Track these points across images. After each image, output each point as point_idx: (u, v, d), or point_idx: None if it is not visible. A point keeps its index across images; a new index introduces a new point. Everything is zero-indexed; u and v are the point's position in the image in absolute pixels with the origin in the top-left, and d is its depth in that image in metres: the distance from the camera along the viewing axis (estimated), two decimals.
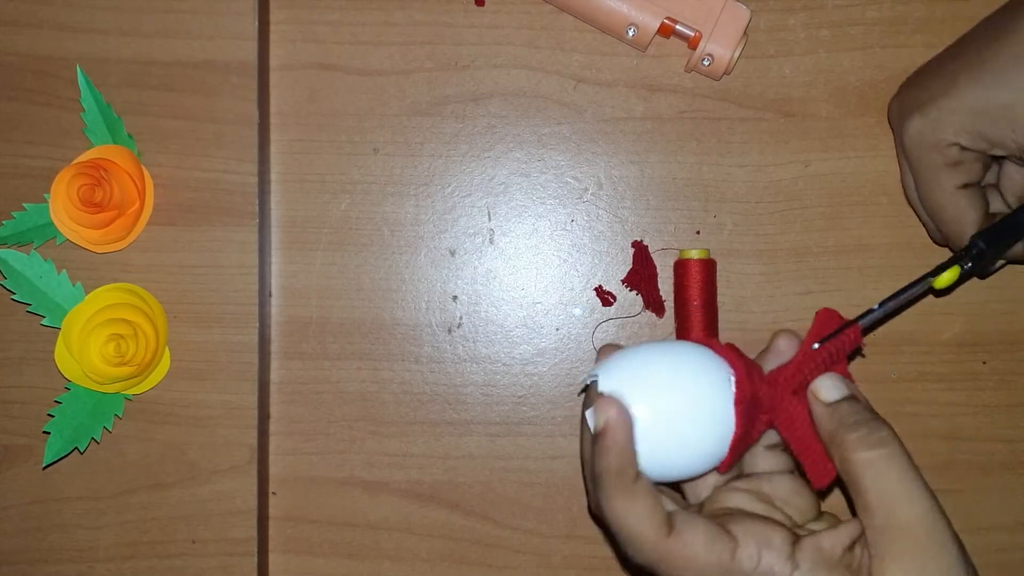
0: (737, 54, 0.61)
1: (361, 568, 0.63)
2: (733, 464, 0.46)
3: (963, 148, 0.54)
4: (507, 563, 0.62)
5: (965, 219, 0.55)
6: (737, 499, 0.47)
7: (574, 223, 0.63)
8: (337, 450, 0.63)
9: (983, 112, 0.52)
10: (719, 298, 0.62)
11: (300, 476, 0.63)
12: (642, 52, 0.63)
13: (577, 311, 0.63)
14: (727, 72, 0.61)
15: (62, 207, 0.58)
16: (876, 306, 0.48)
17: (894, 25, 0.62)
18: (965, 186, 0.55)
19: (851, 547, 0.43)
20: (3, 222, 0.59)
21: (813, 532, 0.44)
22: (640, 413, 0.43)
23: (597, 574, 0.62)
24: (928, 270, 0.59)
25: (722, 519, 0.44)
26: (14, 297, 0.59)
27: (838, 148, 0.62)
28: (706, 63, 0.61)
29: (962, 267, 0.50)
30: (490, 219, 0.63)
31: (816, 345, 0.46)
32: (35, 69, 0.61)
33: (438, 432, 0.63)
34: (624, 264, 0.63)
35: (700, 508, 0.47)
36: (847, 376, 0.46)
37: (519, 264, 0.63)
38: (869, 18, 0.62)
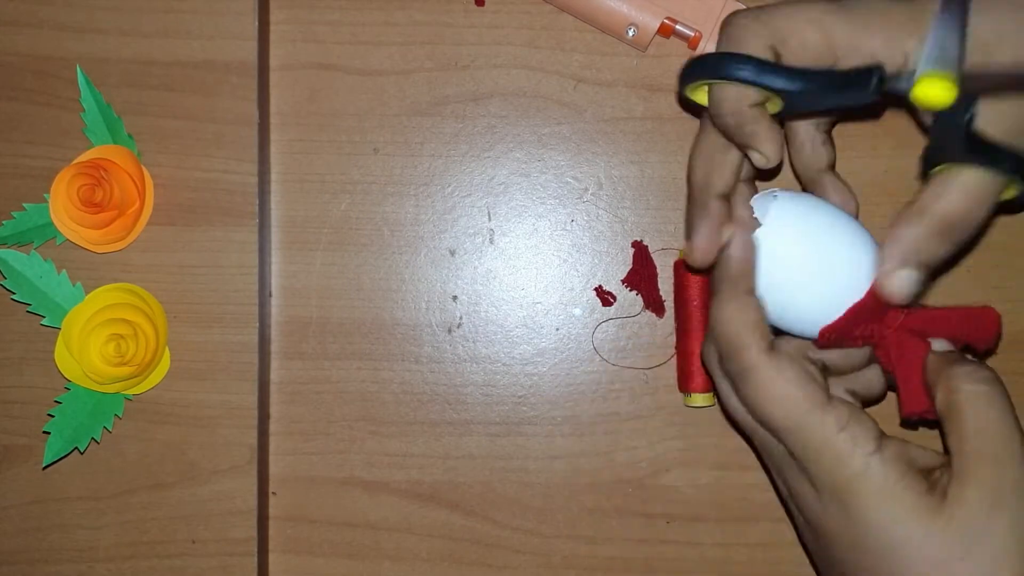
0: None
1: (361, 568, 0.63)
2: (833, 336, 0.47)
3: None
4: (507, 563, 0.62)
5: None
6: (834, 389, 0.48)
7: (574, 223, 0.63)
8: (337, 450, 0.63)
9: None
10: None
11: (300, 476, 0.63)
12: (642, 52, 0.63)
13: (577, 311, 0.63)
14: None
15: (62, 207, 0.58)
16: None
17: None
18: None
19: (932, 469, 0.45)
20: (3, 222, 0.59)
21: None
22: (784, 245, 0.46)
23: (597, 574, 0.62)
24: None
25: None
26: (14, 297, 0.59)
27: (838, 148, 0.62)
28: None
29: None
30: (490, 219, 0.63)
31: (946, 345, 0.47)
32: (35, 69, 0.61)
33: (438, 432, 0.63)
34: (624, 264, 0.63)
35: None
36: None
37: (519, 264, 0.63)
38: None
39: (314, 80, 0.63)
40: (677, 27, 0.61)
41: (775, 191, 0.48)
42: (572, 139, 0.63)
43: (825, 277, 0.47)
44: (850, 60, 0.44)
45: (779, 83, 0.44)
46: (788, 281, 0.47)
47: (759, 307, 0.46)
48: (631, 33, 0.61)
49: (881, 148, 0.62)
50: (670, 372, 0.62)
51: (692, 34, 0.60)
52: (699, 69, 0.46)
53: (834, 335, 0.47)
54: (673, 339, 0.62)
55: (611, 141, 0.63)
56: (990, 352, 0.51)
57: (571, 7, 0.62)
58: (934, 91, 0.42)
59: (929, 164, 0.46)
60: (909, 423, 0.50)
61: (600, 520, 0.62)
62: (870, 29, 0.44)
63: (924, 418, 0.47)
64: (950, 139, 0.44)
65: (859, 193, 0.62)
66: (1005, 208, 0.49)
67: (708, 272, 0.61)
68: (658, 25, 0.60)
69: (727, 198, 0.48)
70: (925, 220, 0.44)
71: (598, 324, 0.63)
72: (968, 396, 0.44)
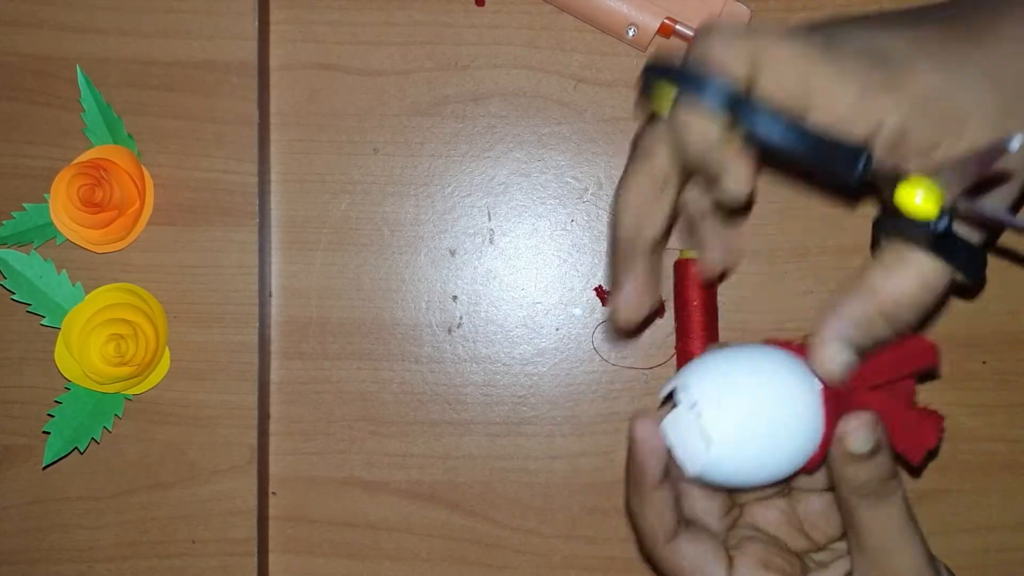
0: None
1: (361, 568, 0.63)
2: (822, 464, 0.45)
3: None
4: (507, 563, 0.62)
5: None
6: (767, 516, 0.48)
7: (574, 223, 0.63)
8: (337, 450, 0.63)
9: None
10: (719, 298, 0.62)
11: (300, 476, 0.63)
12: (642, 52, 0.63)
13: (577, 311, 0.63)
14: None
15: (62, 207, 0.58)
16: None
17: None
18: None
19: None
20: (3, 222, 0.59)
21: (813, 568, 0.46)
22: (722, 424, 0.43)
23: (597, 574, 0.62)
24: None
25: (738, 539, 0.47)
26: (14, 297, 0.59)
27: None
28: None
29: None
30: (490, 219, 0.63)
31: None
32: (35, 69, 0.61)
33: (438, 432, 0.63)
34: None
35: (735, 519, 0.48)
36: (911, 391, 0.45)
37: (519, 264, 0.63)
38: None
39: (314, 80, 0.63)
40: (677, 27, 0.61)
41: (671, 384, 0.44)
42: (572, 139, 0.63)
43: (776, 426, 0.43)
44: (820, 111, 0.40)
45: (764, 131, 0.39)
46: (745, 451, 0.43)
47: (662, 500, 0.44)
48: (631, 33, 0.61)
49: None
50: (670, 372, 0.62)
51: (692, 34, 0.60)
52: (676, 76, 0.41)
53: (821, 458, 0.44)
54: (673, 339, 0.62)
55: (611, 141, 0.63)
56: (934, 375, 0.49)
57: (571, 7, 0.62)
58: (920, 204, 0.38)
59: (883, 235, 0.42)
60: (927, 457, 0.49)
61: (600, 520, 0.62)
62: (849, 83, 0.40)
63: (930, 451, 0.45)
64: (915, 227, 0.39)
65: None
66: (955, 291, 0.47)
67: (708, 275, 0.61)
68: (658, 25, 0.60)
69: (659, 247, 0.45)
70: (871, 299, 0.41)
71: (598, 324, 0.63)
72: (866, 514, 0.43)
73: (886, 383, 0.44)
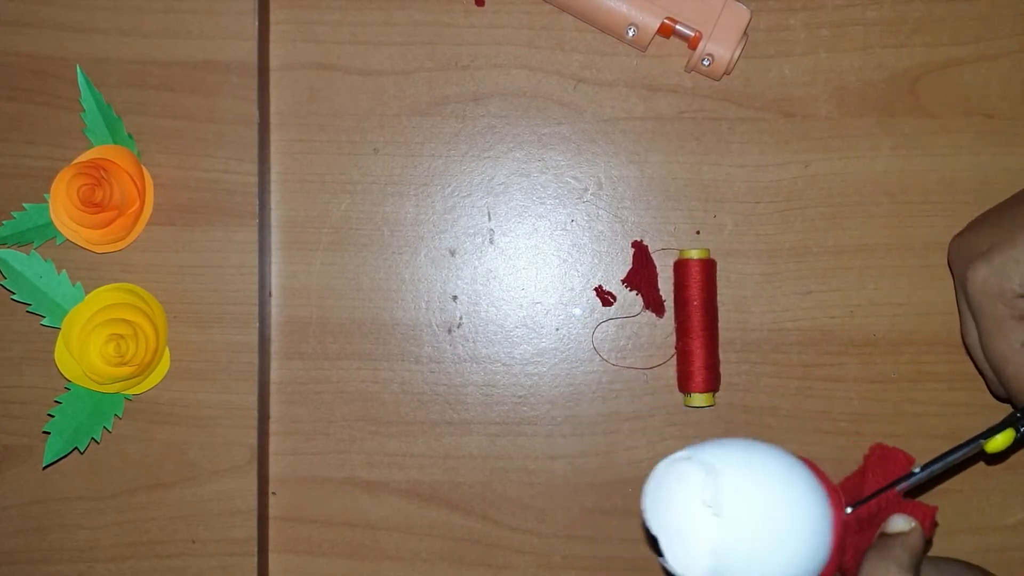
0: (737, 54, 0.61)
1: (361, 568, 0.63)
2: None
3: None
4: (507, 563, 0.62)
5: None
6: None
7: (574, 223, 0.63)
8: (337, 450, 0.63)
9: None
10: (719, 298, 0.62)
11: (300, 476, 0.63)
12: (642, 52, 0.63)
13: (577, 311, 0.63)
14: (727, 72, 0.61)
15: (62, 207, 0.58)
16: (918, 469, 0.46)
17: (894, 25, 0.62)
18: None
19: None
20: (3, 222, 0.59)
21: None
22: (736, 500, 0.42)
23: (597, 574, 0.62)
24: (927, 270, 0.60)
25: None
26: (14, 297, 0.59)
27: (838, 148, 0.62)
28: (706, 63, 0.61)
29: (1018, 431, 0.48)
30: (490, 219, 0.63)
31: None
32: (35, 69, 0.61)
33: (438, 432, 0.63)
34: (624, 264, 0.63)
35: None
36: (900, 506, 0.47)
37: (519, 264, 0.63)
38: (869, 18, 0.62)
39: (314, 80, 0.63)
40: (677, 27, 0.61)
41: (695, 454, 0.43)
42: (572, 139, 0.63)
43: (790, 549, 0.42)
44: None
45: None
46: (752, 549, 0.42)
47: None
48: (631, 33, 0.61)
49: (881, 148, 0.62)
50: (670, 372, 0.62)
51: (692, 34, 0.60)
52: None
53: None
54: (673, 339, 0.62)
55: (611, 141, 0.63)
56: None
57: (571, 7, 0.62)
58: None
59: None
60: None
61: (600, 520, 0.62)
62: None
63: None
64: None
65: (859, 193, 0.62)
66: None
67: (708, 273, 0.61)
68: (658, 25, 0.60)
69: None
70: None
71: (598, 324, 0.63)
72: None
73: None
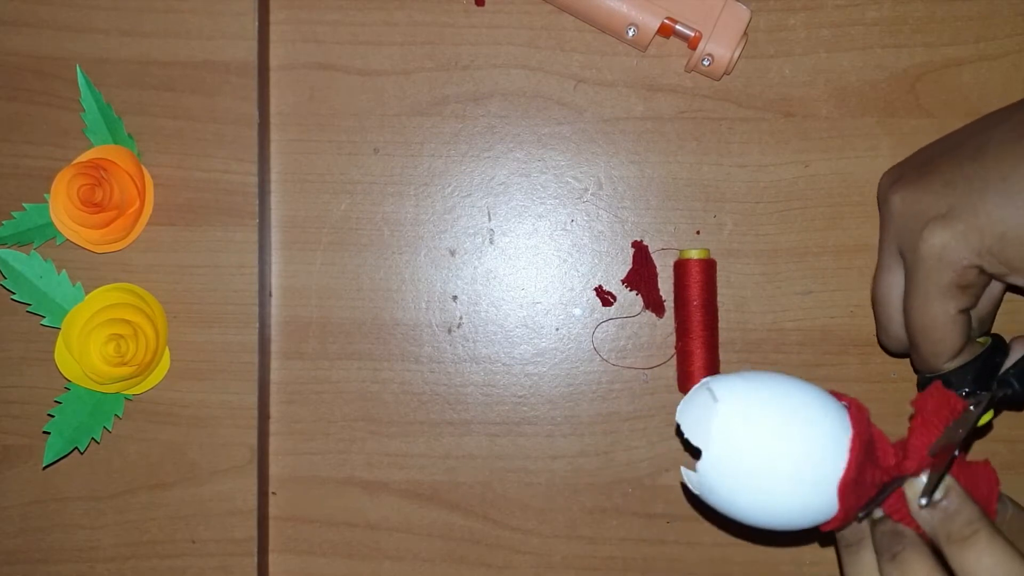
0: (737, 54, 0.61)
1: (361, 568, 0.63)
2: (844, 522, 0.43)
3: (981, 271, 0.50)
4: (507, 563, 0.62)
5: (952, 344, 0.51)
6: None
7: (574, 223, 0.63)
8: (337, 450, 0.63)
9: (1014, 237, 0.48)
10: (719, 298, 0.62)
11: (300, 476, 0.63)
12: (642, 52, 0.63)
13: (577, 311, 0.63)
14: (727, 72, 0.61)
15: (62, 207, 0.58)
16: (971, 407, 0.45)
17: (894, 25, 0.62)
18: (964, 311, 0.51)
19: None
20: (3, 222, 0.59)
21: None
22: (732, 421, 0.42)
23: (597, 574, 0.62)
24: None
25: None
26: (14, 297, 0.59)
27: (838, 148, 0.62)
28: (706, 63, 0.61)
29: (994, 407, 0.49)
30: (490, 219, 0.63)
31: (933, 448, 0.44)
32: (35, 69, 0.61)
33: (438, 432, 0.63)
34: (624, 264, 0.63)
35: None
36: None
37: (519, 264, 0.63)
38: (869, 18, 0.62)
39: (314, 80, 0.63)
40: (677, 27, 0.61)
41: (709, 383, 0.44)
42: (572, 139, 0.63)
43: (803, 461, 0.42)
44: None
45: None
46: (768, 480, 0.42)
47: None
48: (631, 33, 0.61)
49: (881, 148, 0.62)
50: (670, 372, 0.62)
51: (692, 34, 0.60)
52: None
53: (850, 490, 0.42)
54: (673, 339, 0.62)
55: (611, 141, 0.63)
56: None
57: (571, 7, 0.62)
58: None
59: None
60: None
61: (600, 520, 0.62)
62: None
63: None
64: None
65: (859, 193, 0.62)
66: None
67: (708, 273, 0.61)
68: (658, 25, 0.60)
69: None
70: None
71: (598, 324, 0.63)
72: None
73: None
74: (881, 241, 0.54)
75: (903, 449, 0.44)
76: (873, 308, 0.56)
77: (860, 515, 0.43)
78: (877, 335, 0.57)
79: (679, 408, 0.44)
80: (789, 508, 0.42)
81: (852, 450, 0.42)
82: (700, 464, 0.43)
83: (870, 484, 0.43)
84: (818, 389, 0.44)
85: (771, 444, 0.42)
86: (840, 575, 0.46)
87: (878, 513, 0.45)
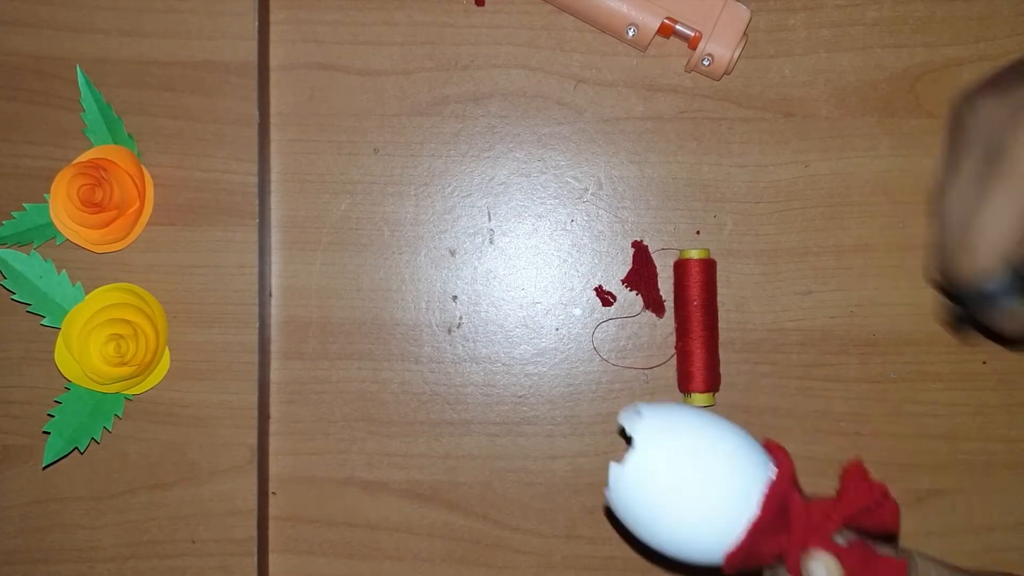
0: (737, 54, 0.61)
1: (361, 568, 0.63)
2: (737, 564, 0.42)
3: None
4: (507, 563, 0.62)
5: (1006, 248, 0.49)
6: None
7: (574, 223, 0.63)
8: (337, 450, 0.63)
9: None
10: (719, 298, 0.62)
11: (300, 476, 0.63)
12: (642, 52, 0.63)
13: (577, 311, 0.63)
14: (727, 72, 0.61)
15: (62, 207, 0.58)
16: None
17: (894, 25, 0.62)
18: None
19: None
20: (3, 222, 0.59)
21: None
22: (657, 456, 0.42)
23: (597, 574, 0.62)
24: (927, 273, 0.59)
25: None
26: (14, 297, 0.59)
27: (838, 148, 0.62)
28: (706, 63, 0.61)
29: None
30: (490, 219, 0.63)
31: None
32: (35, 69, 0.61)
33: (438, 432, 0.63)
34: (624, 264, 0.63)
35: None
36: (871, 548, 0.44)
37: (519, 264, 0.63)
38: (869, 18, 0.62)
39: (314, 80, 0.63)
40: (677, 27, 0.61)
41: (638, 407, 0.44)
42: (572, 139, 0.63)
43: (712, 494, 0.42)
44: None
45: None
46: (674, 503, 0.42)
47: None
48: (631, 33, 0.61)
49: (881, 148, 0.62)
50: (670, 372, 0.62)
51: (692, 34, 0.60)
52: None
53: (740, 555, 0.42)
54: (673, 339, 0.62)
55: (611, 141, 0.63)
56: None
57: (571, 7, 0.62)
58: None
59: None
60: None
61: (600, 520, 0.62)
62: None
63: None
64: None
65: (859, 193, 0.62)
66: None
67: (708, 273, 0.61)
68: (658, 25, 0.60)
69: None
70: None
71: (598, 324, 0.63)
72: None
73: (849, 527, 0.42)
74: (956, 152, 0.52)
75: (818, 513, 0.42)
76: (939, 227, 0.53)
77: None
78: (937, 265, 0.53)
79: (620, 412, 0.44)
80: (683, 543, 0.42)
81: (751, 527, 0.41)
82: (616, 469, 0.42)
83: (770, 548, 0.42)
84: (752, 442, 0.43)
85: (680, 483, 0.41)
86: None
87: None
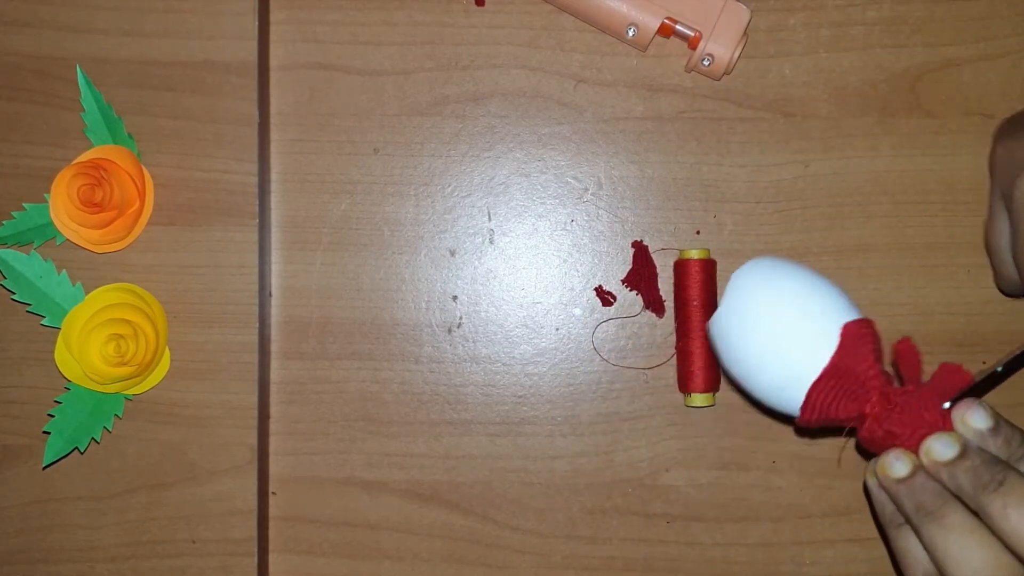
0: (737, 54, 0.61)
1: (361, 568, 0.63)
2: (811, 414, 0.45)
3: None
4: (507, 563, 0.62)
5: None
6: None
7: (574, 223, 0.63)
8: (337, 450, 0.63)
9: None
10: (719, 298, 0.62)
11: (300, 476, 0.63)
12: (642, 52, 0.63)
13: (577, 311, 0.63)
14: (727, 72, 0.61)
15: (62, 207, 0.58)
16: (999, 367, 0.48)
17: (894, 25, 0.62)
18: None
19: None
20: (3, 222, 0.59)
21: None
22: (755, 310, 0.46)
23: (597, 574, 0.62)
24: (927, 270, 0.60)
25: None
26: (14, 297, 0.59)
27: (838, 148, 0.62)
28: (706, 63, 0.61)
29: None
30: (490, 219, 0.63)
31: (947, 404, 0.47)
32: (35, 69, 0.61)
33: (438, 432, 0.63)
34: (624, 264, 0.63)
35: None
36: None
37: (519, 264, 0.63)
38: (869, 18, 0.62)
39: (314, 80, 0.63)
40: (677, 27, 0.61)
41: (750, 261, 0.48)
42: (572, 139, 0.63)
43: (802, 328, 0.46)
44: None
45: None
46: (761, 349, 0.46)
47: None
48: (631, 33, 0.61)
49: (881, 148, 0.62)
50: (670, 372, 0.62)
51: (692, 34, 0.60)
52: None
53: (820, 393, 0.45)
54: (673, 339, 0.62)
55: (611, 141, 0.63)
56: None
57: (571, 7, 0.62)
58: None
59: None
60: None
61: (600, 520, 0.62)
62: None
63: None
64: None
65: (859, 193, 0.62)
66: None
67: (708, 273, 0.61)
68: (658, 25, 0.60)
69: None
70: None
71: (598, 324, 0.63)
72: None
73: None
74: (991, 189, 0.58)
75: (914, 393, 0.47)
76: (987, 254, 0.60)
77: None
78: (995, 280, 0.61)
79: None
80: (771, 380, 0.45)
81: (835, 354, 0.45)
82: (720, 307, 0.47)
83: (850, 395, 0.45)
84: (845, 297, 0.47)
85: (774, 319, 0.46)
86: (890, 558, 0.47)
87: (901, 470, 0.45)
